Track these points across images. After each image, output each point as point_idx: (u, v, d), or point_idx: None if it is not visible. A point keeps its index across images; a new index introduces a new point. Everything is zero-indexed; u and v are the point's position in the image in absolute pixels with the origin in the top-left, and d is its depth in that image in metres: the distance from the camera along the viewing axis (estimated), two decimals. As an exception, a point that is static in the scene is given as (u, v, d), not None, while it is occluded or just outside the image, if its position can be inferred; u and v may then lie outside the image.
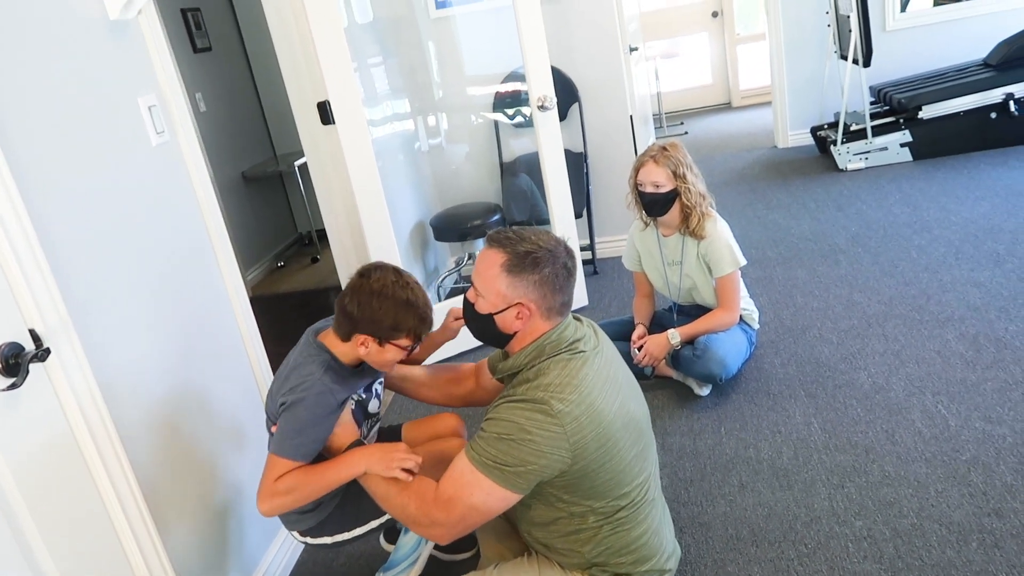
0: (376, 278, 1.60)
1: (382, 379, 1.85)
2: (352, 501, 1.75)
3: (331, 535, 1.78)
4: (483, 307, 1.58)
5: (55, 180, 1.53)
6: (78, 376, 1.49)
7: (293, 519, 1.76)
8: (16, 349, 1.35)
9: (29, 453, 1.38)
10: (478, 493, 1.47)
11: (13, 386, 1.31)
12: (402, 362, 1.76)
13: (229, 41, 5.18)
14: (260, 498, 1.59)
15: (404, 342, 1.61)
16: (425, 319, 1.62)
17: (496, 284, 1.53)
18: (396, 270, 1.63)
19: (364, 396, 1.78)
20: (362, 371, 1.71)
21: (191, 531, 1.82)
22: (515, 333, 1.57)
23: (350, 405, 1.72)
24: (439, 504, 1.50)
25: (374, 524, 1.78)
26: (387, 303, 1.57)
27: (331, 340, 1.66)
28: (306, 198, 5.22)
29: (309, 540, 1.80)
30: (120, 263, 1.69)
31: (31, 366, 1.37)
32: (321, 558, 2.23)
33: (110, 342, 1.63)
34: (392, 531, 2.08)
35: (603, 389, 1.52)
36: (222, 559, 1.93)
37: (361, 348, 1.61)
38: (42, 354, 1.38)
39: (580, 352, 1.55)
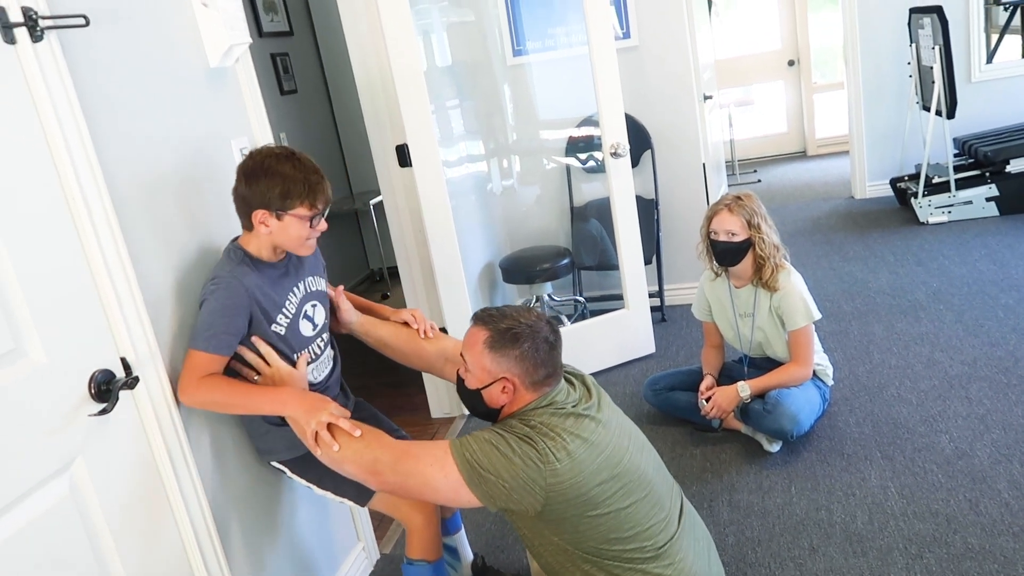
0: (259, 152, 1.63)
1: (315, 301, 1.81)
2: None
3: (302, 477, 1.80)
4: (471, 382, 1.65)
5: (152, 218, 1.62)
6: (162, 406, 1.55)
7: (266, 448, 1.79)
8: (108, 376, 1.42)
9: (113, 478, 1.44)
10: (437, 469, 1.52)
11: (104, 411, 1.38)
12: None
13: (314, 84, 5.41)
14: (180, 392, 1.58)
15: (302, 211, 1.60)
16: (314, 184, 1.61)
17: (481, 360, 1.61)
18: (281, 146, 1.66)
19: (293, 312, 1.72)
20: (287, 269, 1.73)
21: (259, 561, 1.86)
22: (502, 407, 1.64)
23: (305, 357, 1.73)
24: (395, 450, 1.55)
25: (329, 495, 1.79)
26: (272, 173, 1.58)
27: (244, 238, 1.69)
28: (379, 235, 5.35)
29: (288, 472, 1.81)
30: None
31: (120, 393, 1.43)
32: (380, 596, 2.24)
33: (193, 372, 1.69)
34: None
35: (584, 442, 1.55)
36: (285, 591, 1.96)
37: (263, 228, 1.61)
38: (131, 382, 1.45)
39: (563, 410, 1.59)
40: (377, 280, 5.79)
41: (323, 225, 1.68)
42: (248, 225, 1.66)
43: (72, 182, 1.39)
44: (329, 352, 1.86)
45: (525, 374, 1.60)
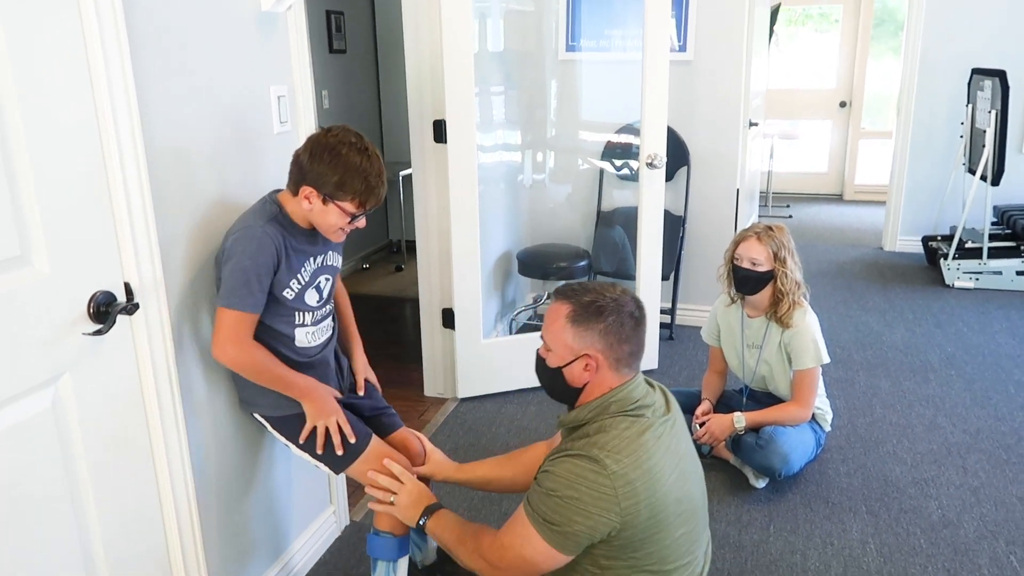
0: (335, 134, 1.61)
1: (328, 275, 1.80)
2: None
3: (282, 434, 1.81)
4: (552, 361, 1.56)
5: (180, 149, 1.61)
6: (158, 337, 1.55)
7: (248, 399, 1.80)
8: (109, 298, 1.42)
9: (98, 400, 1.43)
10: (527, 547, 1.47)
11: (99, 332, 1.37)
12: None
13: (363, 47, 5.40)
14: (222, 348, 1.61)
15: (348, 206, 1.60)
16: (373, 187, 1.61)
17: (563, 336, 1.52)
18: (359, 135, 1.63)
19: (306, 280, 1.72)
20: (314, 238, 1.72)
21: (230, 507, 1.86)
22: (584, 387, 1.54)
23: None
24: (494, 548, 1.53)
25: (306, 456, 1.79)
26: (338, 159, 1.57)
27: (285, 196, 1.69)
28: (403, 208, 5.34)
29: (268, 427, 1.82)
30: (218, 237, 1.75)
31: (118, 318, 1.43)
32: (343, 564, 2.23)
33: (194, 311, 1.69)
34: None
35: (662, 458, 1.47)
36: (253, 541, 1.95)
37: (304, 202, 1.61)
38: (131, 308, 1.44)
39: (643, 417, 1.51)
40: (394, 251, 5.79)
41: (361, 223, 1.68)
42: (293, 191, 1.65)
43: (105, 100, 1.38)
44: (328, 323, 1.86)
45: (609, 350, 1.50)
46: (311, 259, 1.73)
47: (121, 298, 1.45)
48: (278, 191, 1.72)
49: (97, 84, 1.37)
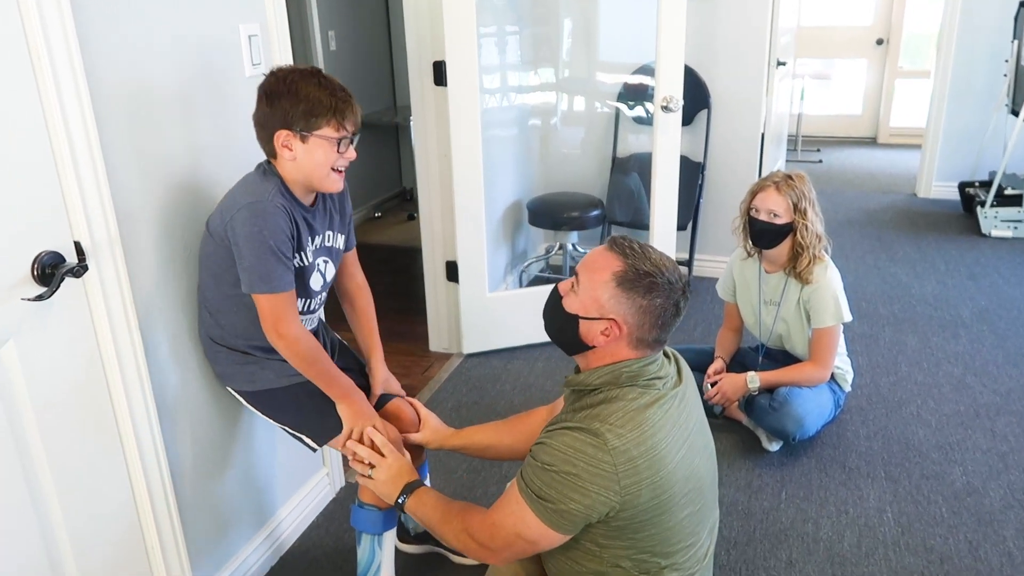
0: (279, 71, 1.53)
1: (327, 258, 1.69)
2: (301, 403, 1.68)
3: (258, 409, 1.73)
4: (571, 304, 1.41)
5: (133, 92, 1.48)
6: (116, 300, 1.44)
7: (221, 372, 1.71)
8: (56, 259, 1.31)
9: (50, 371, 1.34)
10: (521, 524, 1.36)
11: (40, 297, 1.27)
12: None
13: (372, -16, 5.17)
14: (279, 332, 1.55)
15: (328, 132, 1.50)
16: (341, 101, 1.51)
17: (599, 290, 1.37)
18: (306, 65, 1.56)
19: (309, 261, 1.62)
20: (314, 214, 1.63)
21: (208, 474, 1.78)
22: (593, 348, 1.41)
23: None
24: (484, 527, 1.42)
25: (287, 428, 1.72)
26: (295, 90, 1.48)
27: (275, 165, 1.58)
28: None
29: (243, 401, 1.74)
30: (185, 193, 1.63)
31: (65, 280, 1.32)
32: (335, 529, 2.17)
33: (162, 272, 1.58)
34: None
35: (669, 433, 1.35)
36: (236, 510, 1.88)
37: (287, 153, 1.51)
38: (79, 270, 1.33)
39: (653, 388, 1.38)
40: (407, 199, 5.65)
41: (351, 153, 1.57)
42: (271, 151, 1.54)
43: (39, 37, 1.25)
44: (318, 315, 1.77)
45: (638, 328, 1.37)
46: (312, 238, 1.63)
47: (72, 259, 1.35)
48: (268, 160, 1.60)
49: (28, 17, 1.24)
